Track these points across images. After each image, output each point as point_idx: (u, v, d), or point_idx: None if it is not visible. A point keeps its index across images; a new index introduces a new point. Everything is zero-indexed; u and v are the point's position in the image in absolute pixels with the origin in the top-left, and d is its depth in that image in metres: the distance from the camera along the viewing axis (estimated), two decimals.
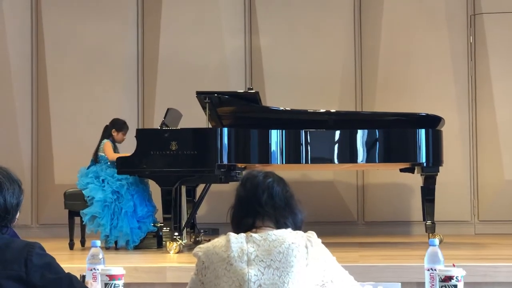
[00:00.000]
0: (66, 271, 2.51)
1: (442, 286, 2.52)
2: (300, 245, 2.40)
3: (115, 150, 6.96)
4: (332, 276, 2.45)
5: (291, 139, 6.45)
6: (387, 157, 6.63)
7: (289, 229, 2.47)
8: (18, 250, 2.42)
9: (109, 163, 6.81)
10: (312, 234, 2.46)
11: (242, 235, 2.45)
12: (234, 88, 7.97)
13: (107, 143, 6.90)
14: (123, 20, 8.67)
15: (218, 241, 2.48)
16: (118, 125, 7.05)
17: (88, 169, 6.84)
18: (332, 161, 6.61)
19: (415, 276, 4.40)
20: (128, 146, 6.88)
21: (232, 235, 2.46)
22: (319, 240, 2.46)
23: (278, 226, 2.48)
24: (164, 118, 6.67)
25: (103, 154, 6.87)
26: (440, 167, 6.61)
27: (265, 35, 8.54)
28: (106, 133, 7.02)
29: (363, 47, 8.48)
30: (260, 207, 2.49)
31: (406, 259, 5.63)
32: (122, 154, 6.75)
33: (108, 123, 7.10)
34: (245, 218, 2.50)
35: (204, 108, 6.60)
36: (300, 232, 2.46)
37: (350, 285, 2.52)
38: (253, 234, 2.44)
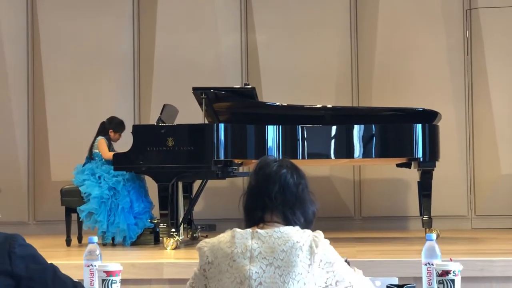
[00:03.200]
0: (66, 273, 2.50)
1: (439, 281, 2.52)
2: (305, 245, 2.34)
3: (110, 148, 6.95)
4: (337, 279, 2.36)
5: (288, 134, 6.45)
6: (384, 152, 6.63)
7: (297, 227, 2.40)
8: None
9: (103, 160, 6.80)
10: (319, 234, 2.38)
11: (248, 231, 2.40)
12: (230, 84, 7.97)
13: (101, 140, 6.89)
14: (118, 18, 8.65)
15: (223, 236, 2.44)
16: (116, 125, 7.04)
17: (84, 166, 6.83)
18: (328, 157, 6.61)
19: (413, 271, 4.40)
20: (123, 143, 6.87)
21: (237, 231, 2.41)
22: (327, 241, 2.39)
23: (287, 223, 2.42)
24: (161, 114, 6.66)
25: (97, 151, 6.86)
26: (436, 162, 6.62)
27: (261, 31, 8.53)
28: (103, 131, 7.00)
29: (360, 43, 8.47)
30: (269, 201, 2.42)
31: (403, 254, 5.63)
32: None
33: (105, 120, 7.09)
34: (254, 211, 2.44)
35: (200, 104, 6.60)
36: (307, 231, 2.39)
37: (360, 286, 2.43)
38: (259, 230, 2.39)
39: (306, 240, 2.35)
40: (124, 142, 6.83)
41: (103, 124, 7.06)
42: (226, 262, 2.37)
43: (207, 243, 2.45)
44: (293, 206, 2.44)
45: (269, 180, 2.44)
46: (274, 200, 2.42)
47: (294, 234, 2.36)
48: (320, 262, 2.34)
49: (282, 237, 2.35)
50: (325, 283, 2.35)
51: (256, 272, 2.33)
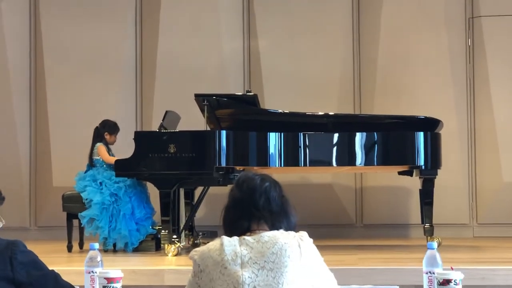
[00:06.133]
0: (67, 279, 2.50)
1: None
2: (293, 245, 2.40)
3: (109, 152, 6.95)
4: (320, 278, 2.45)
5: (290, 141, 6.45)
6: (386, 160, 6.63)
7: (281, 230, 2.46)
8: (1, 249, 2.39)
9: (105, 166, 6.80)
10: (303, 234, 2.46)
11: (235, 238, 2.45)
12: (232, 90, 7.97)
13: (100, 146, 6.89)
14: (121, 23, 8.66)
15: (213, 245, 2.48)
16: (110, 127, 7.04)
17: (86, 173, 6.83)
18: (330, 164, 6.61)
19: (414, 279, 4.39)
20: (123, 148, 6.88)
21: (225, 238, 2.46)
22: (311, 240, 2.46)
23: (273, 230, 2.47)
24: (163, 120, 6.67)
25: (98, 158, 6.86)
26: (438, 170, 6.61)
27: (264, 37, 8.54)
28: (98, 136, 7.00)
29: (362, 50, 8.48)
30: (256, 211, 2.48)
31: (404, 262, 5.62)
32: (117, 157, 6.72)
33: (97, 125, 7.08)
34: (240, 221, 2.50)
35: (202, 110, 6.60)
36: (292, 232, 2.46)
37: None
38: (246, 237, 2.44)
39: (293, 240, 2.42)
40: (124, 148, 6.83)
41: (97, 130, 7.05)
42: (217, 270, 2.41)
43: (197, 251, 2.50)
44: (279, 215, 2.51)
45: (254, 193, 2.51)
46: (262, 210, 2.49)
47: (281, 236, 2.43)
48: (307, 261, 2.41)
49: (270, 240, 2.41)
50: (311, 282, 2.42)
51: (249, 277, 2.37)
